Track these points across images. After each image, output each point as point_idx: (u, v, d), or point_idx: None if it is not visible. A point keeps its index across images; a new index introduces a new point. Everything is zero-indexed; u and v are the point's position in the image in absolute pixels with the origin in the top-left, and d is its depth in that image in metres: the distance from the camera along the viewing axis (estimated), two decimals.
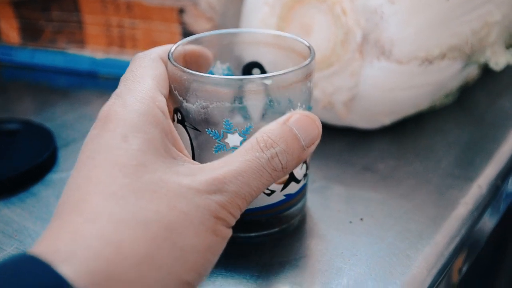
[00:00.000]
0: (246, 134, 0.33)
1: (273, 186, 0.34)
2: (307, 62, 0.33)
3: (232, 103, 0.32)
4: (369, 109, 0.43)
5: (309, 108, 0.35)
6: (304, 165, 0.35)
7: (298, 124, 0.31)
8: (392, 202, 0.39)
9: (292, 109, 0.33)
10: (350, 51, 0.40)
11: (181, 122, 0.34)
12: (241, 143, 0.33)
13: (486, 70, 0.53)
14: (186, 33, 0.52)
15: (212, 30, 0.52)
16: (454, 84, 0.46)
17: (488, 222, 0.41)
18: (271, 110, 0.33)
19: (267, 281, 0.33)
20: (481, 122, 0.49)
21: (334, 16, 0.40)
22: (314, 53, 0.33)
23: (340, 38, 0.40)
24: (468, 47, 0.41)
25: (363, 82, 0.41)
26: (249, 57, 0.38)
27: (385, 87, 0.41)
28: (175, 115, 0.35)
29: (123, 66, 0.55)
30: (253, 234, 0.36)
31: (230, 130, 0.33)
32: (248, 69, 0.39)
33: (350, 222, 0.37)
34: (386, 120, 0.44)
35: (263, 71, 0.39)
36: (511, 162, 0.45)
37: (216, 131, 0.33)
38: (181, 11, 0.52)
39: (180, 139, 0.32)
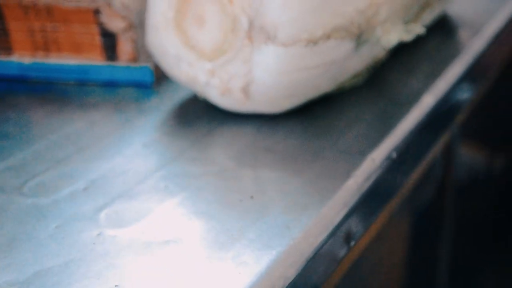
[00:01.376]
0: None
1: None
2: None
3: None
4: (267, 93, 0.45)
5: None
6: None
7: None
8: (285, 179, 0.41)
9: None
10: (239, 38, 0.42)
11: None
12: None
13: (397, 49, 0.55)
14: (105, 33, 0.54)
15: (128, 28, 0.54)
16: (354, 64, 0.47)
17: (384, 194, 0.43)
18: None
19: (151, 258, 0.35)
20: (387, 101, 0.50)
21: (222, 5, 0.42)
22: None
23: (229, 26, 0.42)
24: (355, 27, 0.43)
25: (256, 67, 0.43)
26: None
27: (277, 71, 0.43)
28: None
29: (51, 70, 0.57)
30: None
31: None
32: None
33: (240, 200, 0.39)
34: (287, 103, 0.46)
35: None
36: (411, 136, 0.47)
37: None
38: (96, 12, 0.54)
39: None
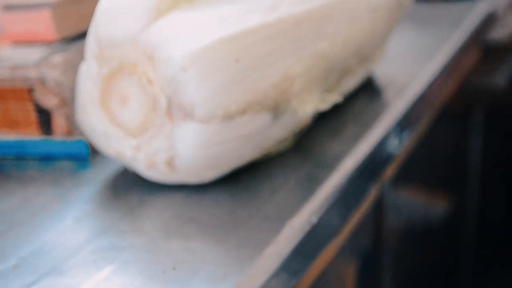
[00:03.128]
0: None
1: None
2: None
3: None
4: (190, 166, 0.47)
5: None
6: None
7: None
8: (208, 249, 0.43)
9: None
10: (160, 116, 0.45)
11: None
12: None
13: (324, 113, 0.58)
14: (40, 109, 0.56)
15: (62, 104, 0.56)
16: (276, 133, 0.50)
17: (300, 260, 0.45)
18: None
19: None
20: (311, 165, 0.53)
21: (142, 86, 0.45)
22: None
23: (150, 105, 0.45)
24: (270, 100, 0.46)
25: (177, 142, 0.45)
26: None
27: (197, 145, 0.45)
28: None
29: None
30: None
31: None
32: None
33: (163, 272, 0.41)
34: (211, 174, 0.48)
35: None
36: (332, 199, 0.49)
37: None
38: (30, 90, 0.56)
39: None
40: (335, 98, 0.51)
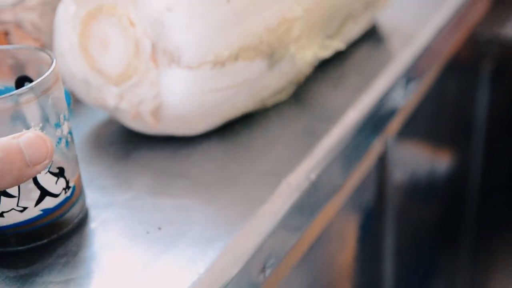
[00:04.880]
0: None
1: (24, 202, 0.34)
2: (42, 77, 0.34)
3: None
4: (178, 116, 0.43)
5: (57, 125, 0.35)
6: (62, 179, 0.36)
7: (26, 141, 0.31)
8: (195, 208, 0.39)
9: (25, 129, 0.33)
10: (144, 61, 0.40)
11: None
12: None
13: (324, 62, 0.53)
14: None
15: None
16: (273, 82, 0.46)
17: (299, 219, 0.42)
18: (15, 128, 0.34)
19: None
20: (311, 117, 0.49)
21: (123, 28, 0.40)
22: (54, 65, 0.35)
23: (132, 50, 0.40)
24: (265, 46, 0.42)
25: (164, 90, 0.41)
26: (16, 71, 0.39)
27: (185, 94, 0.41)
28: None
29: None
30: (32, 245, 0.36)
31: None
32: (20, 83, 0.40)
33: (147, 232, 0.37)
34: (201, 127, 0.44)
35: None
36: (332, 155, 0.45)
37: None
38: (6, 34, 0.51)
39: None
40: (337, 45, 0.47)
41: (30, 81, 0.39)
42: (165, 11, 0.38)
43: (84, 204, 0.39)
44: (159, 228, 0.38)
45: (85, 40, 0.42)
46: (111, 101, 0.43)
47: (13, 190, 0.34)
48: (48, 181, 0.35)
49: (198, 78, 0.40)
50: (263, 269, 0.38)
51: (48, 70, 0.35)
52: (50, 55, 0.36)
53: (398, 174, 0.68)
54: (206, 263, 0.35)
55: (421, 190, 0.78)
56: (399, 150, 0.67)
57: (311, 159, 0.44)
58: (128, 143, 0.46)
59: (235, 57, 0.40)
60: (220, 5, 0.39)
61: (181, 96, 0.41)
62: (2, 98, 0.33)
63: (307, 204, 0.43)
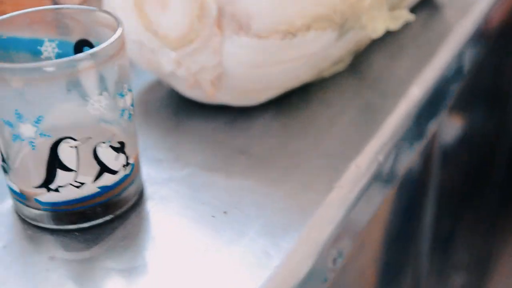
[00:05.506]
0: (38, 124, 0.30)
1: (82, 178, 0.32)
2: (106, 43, 0.31)
3: (16, 92, 0.30)
4: (238, 86, 0.40)
5: (120, 95, 0.32)
6: (122, 155, 0.33)
7: None
8: (261, 190, 0.36)
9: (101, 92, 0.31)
10: (207, 26, 0.37)
11: None
12: (36, 134, 0.30)
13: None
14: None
15: (83, 3, 0.48)
16: (336, 52, 0.42)
17: (368, 206, 0.39)
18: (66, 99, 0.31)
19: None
20: (370, 92, 0.46)
21: None
22: (121, 31, 0.32)
23: (195, 12, 0.37)
24: (338, 16, 0.38)
25: (227, 59, 0.38)
26: (76, 34, 0.36)
27: (250, 64, 0.38)
28: None
29: None
30: (86, 225, 0.33)
31: (21, 119, 0.30)
32: (79, 46, 0.36)
33: (213, 216, 0.35)
34: (261, 97, 0.41)
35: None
36: (398, 135, 0.42)
37: (8, 120, 0.30)
38: None
39: None
40: (406, 16, 0.43)
41: (90, 45, 0.36)
42: None
43: (141, 182, 0.36)
44: (225, 212, 0.35)
45: None
46: (167, 66, 0.39)
47: (71, 163, 0.31)
48: (108, 156, 0.32)
49: (266, 48, 0.37)
50: (335, 260, 0.35)
51: (112, 35, 0.32)
52: (115, 19, 0.33)
53: (445, 147, 0.65)
54: (281, 255, 0.32)
55: (465, 156, 0.76)
56: (449, 123, 0.64)
57: (377, 139, 0.41)
58: (180, 111, 0.43)
59: (307, 27, 0.37)
60: None
61: (246, 66, 0.38)
62: (58, 62, 0.30)
63: (374, 188, 0.40)
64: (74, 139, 0.31)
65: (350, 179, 0.37)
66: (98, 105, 0.31)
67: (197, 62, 0.38)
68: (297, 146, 0.40)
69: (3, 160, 0.32)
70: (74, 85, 0.30)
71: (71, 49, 0.36)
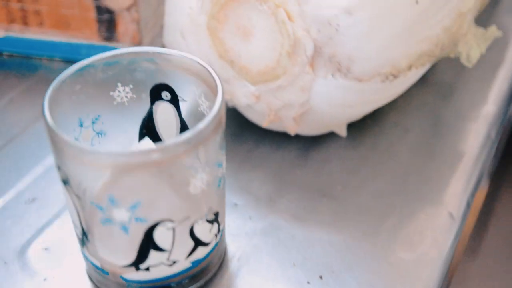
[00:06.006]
0: (133, 210, 0.27)
1: (175, 256, 0.29)
2: (210, 117, 0.27)
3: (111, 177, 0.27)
4: (322, 122, 0.36)
5: (219, 165, 0.29)
6: (216, 224, 0.29)
7: None
8: (355, 248, 0.33)
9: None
10: (299, 64, 0.33)
11: (64, 182, 0.28)
12: (131, 220, 0.27)
13: None
14: (101, 8, 0.43)
15: (132, 6, 0.43)
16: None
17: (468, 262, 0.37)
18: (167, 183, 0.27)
19: None
20: (448, 103, 0.42)
21: (278, 21, 0.32)
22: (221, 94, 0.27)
23: (286, 48, 0.33)
24: (438, 49, 0.34)
25: (316, 98, 0.34)
26: (155, 79, 0.32)
27: (342, 104, 0.34)
28: None
29: (27, 45, 0.46)
30: None
31: (115, 204, 0.27)
32: (156, 91, 0.32)
33: (308, 282, 0.32)
34: (342, 131, 0.38)
35: (173, 94, 0.32)
36: (482, 170, 0.39)
37: (99, 204, 0.27)
38: None
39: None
40: (495, 33, 0.39)
41: (169, 90, 0.32)
42: (343, 14, 0.30)
43: (225, 243, 0.33)
44: (320, 277, 0.32)
45: (217, 23, 0.34)
46: (243, 99, 0.36)
47: (166, 244, 0.28)
48: (204, 231, 0.29)
49: (363, 90, 0.33)
50: None
51: (193, 79, 0.28)
52: (214, 79, 0.28)
53: None
54: None
55: None
56: None
57: (461, 173, 0.38)
58: (249, 136, 0.39)
59: (409, 67, 0.33)
60: (408, 7, 0.31)
61: (336, 106, 0.34)
62: (162, 149, 0.26)
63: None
64: (172, 221, 0.28)
65: (445, 232, 0.35)
66: (200, 183, 0.27)
67: (280, 99, 0.35)
68: (384, 185, 0.37)
69: (83, 233, 0.29)
70: (177, 168, 0.27)
71: (147, 94, 0.32)
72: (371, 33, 0.31)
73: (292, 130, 0.36)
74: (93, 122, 0.32)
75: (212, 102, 0.29)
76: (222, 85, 0.28)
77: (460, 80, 0.44)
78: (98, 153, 0.26)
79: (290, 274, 0.32)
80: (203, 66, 0.29)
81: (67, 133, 0.29)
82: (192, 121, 0.32)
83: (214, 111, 0.27)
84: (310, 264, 0.33)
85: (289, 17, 0.32)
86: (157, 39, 0.45)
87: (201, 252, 0.30)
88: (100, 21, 0.44)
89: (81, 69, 0.30)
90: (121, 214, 0.27)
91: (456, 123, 0.41)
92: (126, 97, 0.32)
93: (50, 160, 0.39)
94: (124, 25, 0.43)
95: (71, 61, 0.46)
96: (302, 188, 0.37)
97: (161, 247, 0.28)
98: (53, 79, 0.45)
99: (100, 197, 0.27)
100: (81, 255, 0.31)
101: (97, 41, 0.45)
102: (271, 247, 0.33)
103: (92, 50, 0.45)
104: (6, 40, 0.46)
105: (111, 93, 0.32)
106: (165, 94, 0.32)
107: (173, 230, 0.28)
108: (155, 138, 0.34)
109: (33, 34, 0.45)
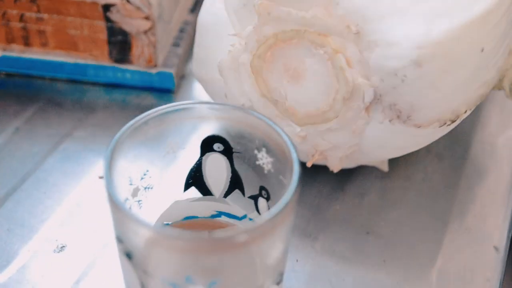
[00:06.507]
0: (211, 286, 0.26)
1: None
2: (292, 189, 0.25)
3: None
4: (367, 159, 0.35)
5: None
6: (281, 284, 0.29)
7: None
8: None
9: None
10: (354, 109, 0.32)
11: (128, 255, 0.26)
12: None
13: None
14: (114, 30, 0.40)
15: (150, 30, 0.41)
16: None
17: None
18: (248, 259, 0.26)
19: None
20: (478, 128, 0.42)
21: (334, 66, 0.31)
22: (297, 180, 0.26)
23: (342, 94, 0.31)
24: (490, 88, 0.34)
25: (367, 141, 0.33)
26: (207, 131, 0.30)
27: (393, 147, 0.33)
28: None
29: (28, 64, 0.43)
30: None
31: (191, 282, 0.26)
32: (208, 143, 0.31)
33: None
34: (385, 167, 0.37)
35: (226, 145, 0.30)
36: None
37: (174, 282, 0.26)
38: (107, 6, 0.39)
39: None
40: None
41: (222, 141, 0.30)
42: (412, 66, 0.29)
43: None
44: None
45: (262, 63, 0.33)
46: None
47: None
48: None
49: (419, 135, 0.32)
50: None
51: (287, 174, 0.27)
52: (289, 149, 0.27)
53: None
54: None
55: None
56: None
57: (499, 203, 0.38)
58: None
59: (466, 111, 0.32)
60: (474, 56, 0.30)
61: (387, 148, 0.33)
62: (252, 229, 0.25)
63: None
64: None
65: (491, 263, 0.35)
66: (276, 254, 0.26)
67: (329, 141, 0.33)
68: (422, 217, 0.36)
69: None
70: (260, 245, 0.25)
71: (197, 146, 0.30)
72: (438, 84, 0.30)
73: (335, 168, 0.35)
74: (141, 178, 0.30)
75: (276, 158, 0.28)
76: (298, 157, 0.26)
77: (489, 101, 0.44)
78: (179, 238, 0.25)
79: None
80: (273, 128, 0.28)
81: (120, 195, 0.27)
82: (246, 173, 0.31)
83: (294, 183, 0.26)
84: None
85: (348, 63, 0.31)
86: (169, 60, 0.43)
87: None
88: (112, 43, 0.41)
89: (136, 127, 0.28)
90: None
91: (487, 147, 0.41)
92: (176, 149, 0.30)
93: (73, 197, 0.37)
94: (140, 48, 0.41)
95: (76, 82, 0.44)
96: (344, 225, 0.36)
97: None
98: (60, 102, 0.43)
99: (175, 277, 0.26)
100: None
101: (106, 63, 0.42)
102: None
103: (101, 71, 0.42)
104: (3, 59, 0.43)
105: (161, 147, 0.30)
106: (218, 146, 0.31)
107: None
108: (202, 188, 0.32)
109: (35, 54, 0.42)
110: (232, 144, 0.30)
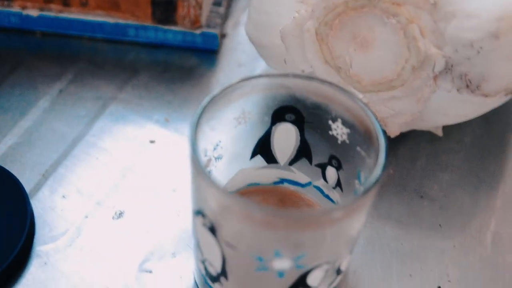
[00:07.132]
0: (298, 260, 0.26)
1: None
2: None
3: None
4: (425, 125, 0.35)
5: None
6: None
7: None
8: (465, 253, 0.34)
9: None
10: (422, 78, 0.32)
11: (211, 230, 0.27)
12: (291, 267, 0.26)
13: None
14: None
15: None
16: None
17: None
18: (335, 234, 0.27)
19: None
20: None
21: (407, 36, 0.31)
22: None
23: (412, 63, 0.31)
24: None
25: (430, 109, 0.33)
26: (280, 101, 0.30)
27: (455, 114, 0.34)
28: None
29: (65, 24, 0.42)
30: None
31: (279, 256, 0.26)
32: (280, 113, 0.31)
33: None
34: (439, 131, 0.37)
35: (298, 115, 0.30)
36: None
37: (260, 256, 0.26)
38: None
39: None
40: None
41: (295, 111, 0.30)
42: (490, 38, 0.29)
43: None
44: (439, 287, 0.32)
45: (329, 30, 0.32)
46: None
47: (315, 282, 0.28)
48: (345, 263, 0.29)
49: (484, 103, 0.33)
50: None
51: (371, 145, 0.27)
52: (373, 124, 0.27)
53: None
54: None
55: None
56: None
57: None
58: None
59: None
60: None
61: (449, 116, 0.34)
62: (345, 206, 0.25)
63: None
64: (328, 263, 0.27)
65: None
66: (359, 226, 0.27)
67: (391, 108, 0.34)
68: (474, 181, 0.37)
69: (222, 274, 0.28)
70: (350, 221, 0.26)
71: (269, 116, 0.30)
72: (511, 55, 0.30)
73: (393, 134, 0.35)
74: (214, 149, 0.30)
75: (354, 130, 0.28)
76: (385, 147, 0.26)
77: None
78: (275, 215, 0.25)
79: (410, 285, 0.32)
80: (355, 101, 0.27)
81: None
82: (315, 141, 0.31)
83: (382, 158, 0.26)
84: (426, 274, 0.33)
85: (422, 33, 0.30)
86: (212, 19, 0.42)
87: (337, 279, 0.29)
88: (156, 4, 0.40)
89: (219, 95, 0.28)
90: (282, 264, 0.26)
91: None
92: (247, 120, 0.30)
93: (126, 162, 0.37)
94: (186, 9, 0.40)
95: (115, 42, 0.43)
96: (398, 189, 0.36)
97: (310, 285, 0.28)
98: (101, 63, 0.42)
99: (263, 251, 0.26)
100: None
101: (149, 23, 0.41)
102: (383, 258, 0.33)
103: (142, 31, 0.42)
104: (40, 19, 0.42)
105: (234, 117, 0.30)
106: (289, 116, 0.31)
107: (327, 271, 0.28)
108: (268, 157, 0.32)
109: (73, 14, 0.41)
110: (304, 114, 0.30)
